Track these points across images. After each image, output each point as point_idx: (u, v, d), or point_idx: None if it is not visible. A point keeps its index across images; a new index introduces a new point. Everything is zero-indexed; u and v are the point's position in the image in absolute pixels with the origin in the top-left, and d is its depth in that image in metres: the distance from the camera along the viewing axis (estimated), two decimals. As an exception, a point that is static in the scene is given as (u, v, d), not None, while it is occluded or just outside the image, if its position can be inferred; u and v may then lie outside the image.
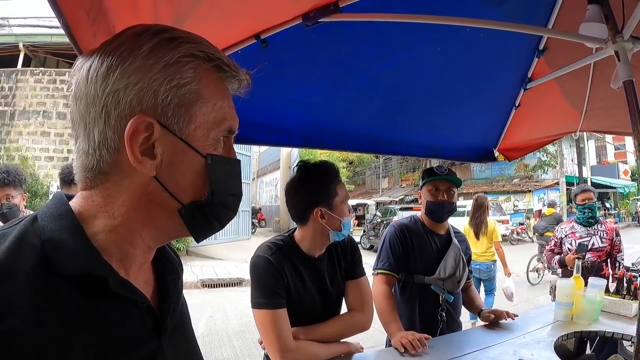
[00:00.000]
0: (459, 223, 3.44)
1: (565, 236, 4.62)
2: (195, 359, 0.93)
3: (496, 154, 3.86)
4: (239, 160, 0.82)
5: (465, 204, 17.88)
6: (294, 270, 1.98)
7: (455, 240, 2.79)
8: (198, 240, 0.80)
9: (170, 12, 1.45)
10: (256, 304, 1.88)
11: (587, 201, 4.55)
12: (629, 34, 1.89)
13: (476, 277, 6.04)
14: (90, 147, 0.69)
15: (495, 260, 6.35)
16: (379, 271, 2.68)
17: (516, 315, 2.59)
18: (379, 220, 19.76)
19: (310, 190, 2.00)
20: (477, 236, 6.35)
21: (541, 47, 2.77)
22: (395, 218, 17.59)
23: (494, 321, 2.60)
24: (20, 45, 15.61)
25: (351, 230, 2.08)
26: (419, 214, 2.91)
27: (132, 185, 0.70)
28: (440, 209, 2.71)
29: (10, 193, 3.12)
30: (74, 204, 0.72)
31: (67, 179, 3.40)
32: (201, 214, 0.75)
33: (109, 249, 0.70)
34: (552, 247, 4.79)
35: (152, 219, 0.73)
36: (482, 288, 6.36)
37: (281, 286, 1.91)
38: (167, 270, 0.86)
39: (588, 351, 2.85)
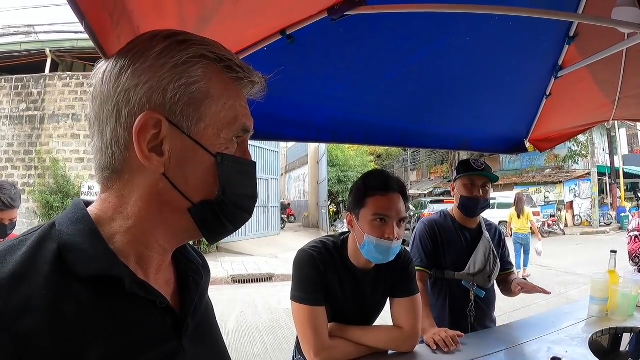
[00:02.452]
0: (491, 216, 3.38)
1: None
2: (220, 358, 0.93)
3: (527, 144, 3.78)
4: (254, 162, 0.82)
5: (495, 196, 17.64)
6: (336, 273, 1.96)
7: (486, 234, 2.73)
8: (210, 242, 0.82)
9: (196, 12, 1.45)
10: (295, 297, 1.89)
11: None
12: (664, 19, 1.82)
13: (519, 243, 10.77)
14: (104, 145, 0.72)
15: (530, 232, 10.83)
16: None
17: (549, 292, 2.47)
18: (410, 214, 19.45)
19: (350, 192, 2.00)
20: (518, 217, 10.80)
21: (572, 33, 2.68)
22: (426, 211, 17.46)
23: (524, 292, 2.53)
24: (47, 51, 15.91)
25: (380, 257, 1.88)
26: (450, 208, 2.87)
27: (143, 183, 0.72)
28: (475, 205, 2.66)
29: None
30: (92, 208, 0.74)
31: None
32: (212, 214, 0.75)
33: (125, 251, 0.71)
34: None
35: (164, 219, 0.75)
36: (522, 251, 10.80)
37: (322, 284, 1.90)
38: (189, 271, 0.87)
39: (623, 348, 2.77)
